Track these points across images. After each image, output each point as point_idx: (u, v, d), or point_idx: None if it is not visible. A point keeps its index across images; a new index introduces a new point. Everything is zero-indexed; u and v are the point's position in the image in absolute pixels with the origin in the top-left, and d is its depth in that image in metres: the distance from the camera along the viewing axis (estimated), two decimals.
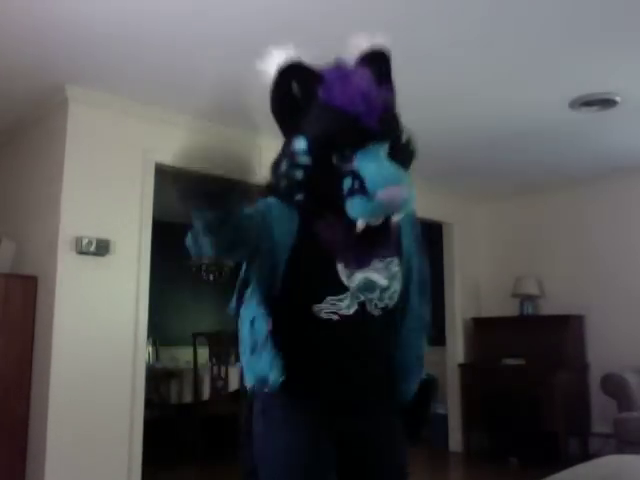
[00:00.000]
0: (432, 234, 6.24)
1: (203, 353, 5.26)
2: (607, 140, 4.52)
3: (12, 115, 4.02)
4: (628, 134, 4.40)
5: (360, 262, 1.38)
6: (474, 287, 6.16)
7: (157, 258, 4.01)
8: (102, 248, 3.61)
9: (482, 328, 5.84)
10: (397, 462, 1.52)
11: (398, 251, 1.46)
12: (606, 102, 3.78)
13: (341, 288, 1.38)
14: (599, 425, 5.20)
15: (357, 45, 1.39)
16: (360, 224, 1.26)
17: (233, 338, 1.58)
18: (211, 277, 6.70)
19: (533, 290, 5.65)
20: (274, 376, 1.35)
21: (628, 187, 5.36)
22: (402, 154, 1.32)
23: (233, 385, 5.08)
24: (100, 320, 3.61)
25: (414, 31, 2.94)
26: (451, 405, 5.80)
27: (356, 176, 1.25)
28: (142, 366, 3.78)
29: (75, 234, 3.55)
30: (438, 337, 6.08)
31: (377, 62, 1.37)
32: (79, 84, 3.57)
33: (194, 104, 3.87)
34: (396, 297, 1.44)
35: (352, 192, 1.25)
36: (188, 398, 5.20)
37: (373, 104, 1.25)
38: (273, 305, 1.40)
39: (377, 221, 1.26)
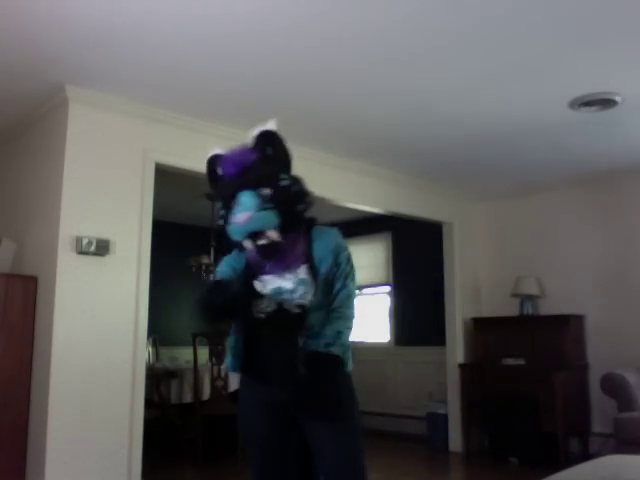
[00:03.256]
0: (432, 234, 6.25)
1: (203, 353, 5.26)
2: (607, 140, 4.52)
3: (12, 115, 4.02)
4: (628, 134, 4.40)
5: (265, 271, 1.97)
6: (474, 287, 6.16)
7: (157, 258, 4.00)
8: (102, 248, 3.61)
9: (482, 328, 5.84)
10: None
11: (309, 263, 1.94)
12: (606, 102, 3.78)
13: (260, 295, 1.98)
14: (599, 425, 5.20)
15: (255, 131, 1.96)
16: (245, 244, 1.89)
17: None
18: (211, 277, 6.69)
19: (533, 290, 5.65)
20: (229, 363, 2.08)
21: (628, 187, 5.36)
22: (282, 195, 1.84)
23: (233, 385, 5.08)
24: (100, 320, 3.61)
25: (414, 30, 2.94)
26: (451, 405, 5.80)
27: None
28: (142, 366, 3.78)
29: (75, 234, 3.55)
30: (438, 337, 6.09)
31: (259, 139, 1.94)
32: (79, 84, 3.57)
33: (194, 104, 3.88)
34: (308, 297, 1.93)
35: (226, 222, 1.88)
36: (188, 398, 5.21)
37: (233, 167, 1.88)
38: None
39: (263, 240, 1.85)
